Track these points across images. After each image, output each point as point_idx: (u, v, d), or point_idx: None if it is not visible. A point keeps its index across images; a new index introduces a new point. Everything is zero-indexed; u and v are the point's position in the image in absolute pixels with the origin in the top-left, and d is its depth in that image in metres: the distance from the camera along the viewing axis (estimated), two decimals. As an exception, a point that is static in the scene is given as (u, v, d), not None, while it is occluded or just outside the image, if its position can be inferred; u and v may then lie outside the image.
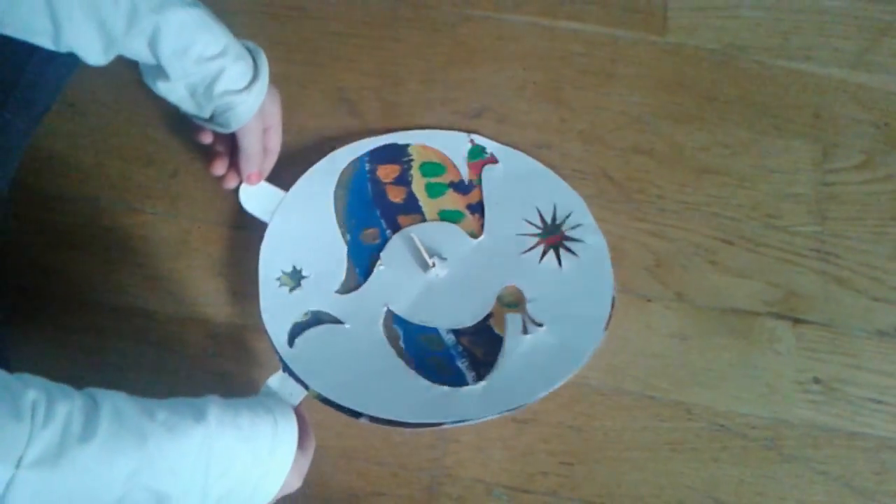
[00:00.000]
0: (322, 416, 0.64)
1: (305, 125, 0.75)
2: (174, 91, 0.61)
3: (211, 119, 0.64)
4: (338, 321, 0.65)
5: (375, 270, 0.67)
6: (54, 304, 0.68)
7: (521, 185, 0.71)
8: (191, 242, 0.71)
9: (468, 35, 0.79)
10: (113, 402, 0.46)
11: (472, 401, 0.62)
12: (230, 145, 0.68)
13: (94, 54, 0.57)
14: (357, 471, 0.64)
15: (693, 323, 0.67)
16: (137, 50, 0.58)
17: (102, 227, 0.71)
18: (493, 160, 0.72)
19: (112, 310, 0.68)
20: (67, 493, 0.42)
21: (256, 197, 0.69)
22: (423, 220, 0.69)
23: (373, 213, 0.70)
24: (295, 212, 0.68)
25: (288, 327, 0.64)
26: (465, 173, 0.71)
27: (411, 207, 0.70)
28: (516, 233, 0.69)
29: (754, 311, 0.68)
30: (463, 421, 0.61)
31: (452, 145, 0.72)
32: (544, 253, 0.68)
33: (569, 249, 0.68)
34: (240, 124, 0.63)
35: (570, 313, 0.65)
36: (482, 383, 0.62)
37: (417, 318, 0.66)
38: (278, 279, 0.66)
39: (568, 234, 0.68)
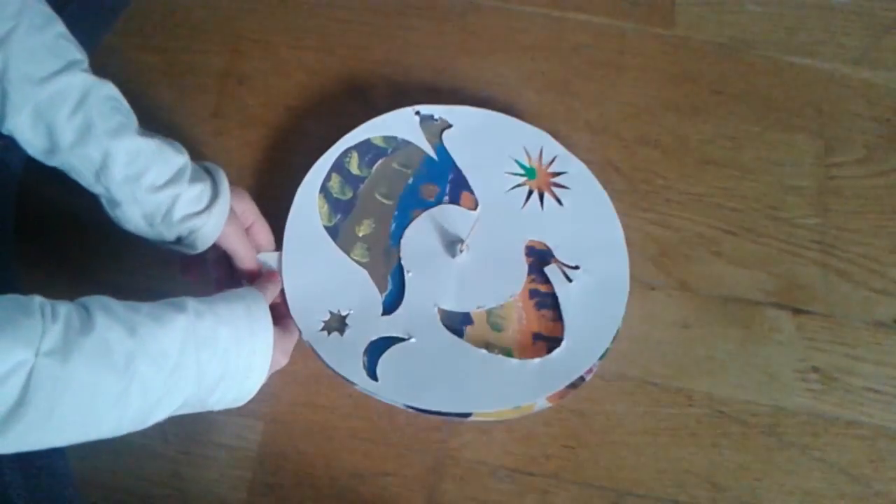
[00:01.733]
0: (327, 397, 0.65)
1: (316, 112, 0.75)
2: (130, 220, 0.58)
3: (178, 241, 0.61)
4: (402, 339, 0.64)
5: (406, 280, 0.66)
6: (63, 284, 0.69)
7: (483, 139, 0.71)
8: (201, 225, 0.71)
9: (477, 25, 0.80)
10: (100, 302, 0.50)
11: (567, 360, 0.63)
12: (217, 254, 0.65)
13: (37, 152, 0.55)
14: (363, 451, 0.65)
15: (696, 311, 0.68)
16: (81, 171, 0.56)
17: (113, 207, 0.71)
18: (447, 124, 0.72)
19: (121, 291, 0.68)
20: (80, 381, 0.46)
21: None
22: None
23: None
24: (297, 261, 0.66)
25: (361, 366, 0.63)
26: (428, 147, 0.71)
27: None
28: (506, 190, 0.69)
29: (756, 300, 0.69)
30: (575, 384, 0.63)
31: (404, 125, 0.72)
32: (541, 197, 0.69)
33: (559, 185, 0.69)
34: (207, 244, 0.61)
35: (591, 245, 0.67)
36: (564, 342, 0.63)
37: (470, 306, 0.66)
38: (324, 331, 0.64)
39: (550, 170, 0.69)
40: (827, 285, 0.69)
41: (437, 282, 0.66)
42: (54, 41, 0.53)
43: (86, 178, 0.57)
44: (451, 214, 0.69)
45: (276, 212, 0.68)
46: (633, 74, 0.78)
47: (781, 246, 0.71)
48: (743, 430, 0.65)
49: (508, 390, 0.62)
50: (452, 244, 0.67)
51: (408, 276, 0.66)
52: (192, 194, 0.58)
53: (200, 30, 0.78)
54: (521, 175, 0.70)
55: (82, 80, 0.54)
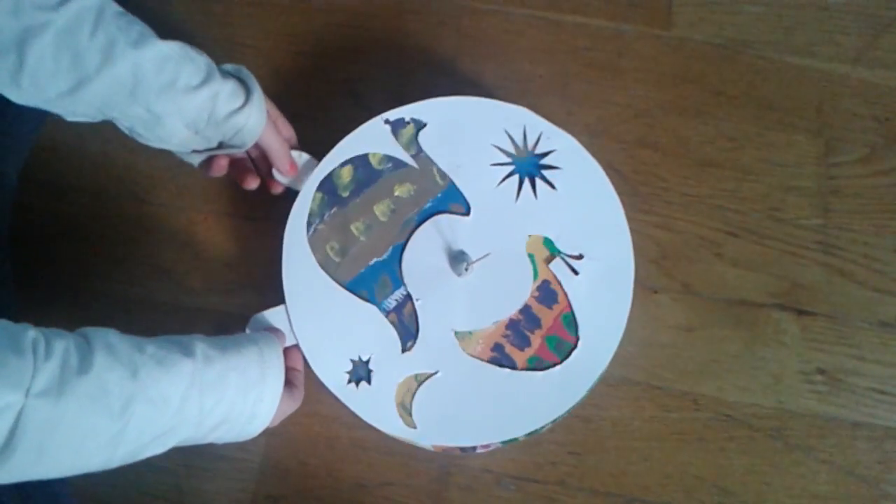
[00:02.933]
0: (329, 406, 0.64)
1: (313, 117, 0.75)
2: (174, 133, 0.58)
3: (220, 146, 0.62)
4: (429, 374, 0.63)
5: (417, 309, 0.64)
6: (61, 294, 0.68)
7: (461, 131, 0.68)
8: (198, 234, 0.71)
9: (474, 28, 0.79)
10: (105, 338, 0.48)
11: (585, 360, 0.62)
12: (246, 156, 0.67)
13: (62, 92, 0.53)
14: (366, 461, 0.64)
15: (699, 314, 0.68)
16: (113, 97, 0.54)
17: (109, 218, 0.71)
18: (421, 123, 0.69)
19: (119, 300, 0.68)
20: (72, 423, 0.44)
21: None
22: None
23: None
24: (304, 313, 0.64)
25: (396, 413, 0.62)
26: (403, 154, 0.68)
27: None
28: (495, 185, 0.67)
29: (759, 302, 0.68)
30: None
31: (377, 137, 0.68)
32: (533, 185, 0.66)
33: (550, 166, 0.67)
34: (253, 140, 0.61)
35: (591, 227, 0.65)
36: (581, 342, 0.62)
37: (486, 322, 0.64)
38: (351, 382, 0.62)
39: (537, 151, 0.67)
40: (830, 286, 0.69)
41: (447, 305, 0.64)
42: None
43: (119, 104, 0.55)
44: (445, 226, 0.66)
45: (276, 216, 0.67)
46: (632, 76, 0.77)
47: (784, 247, 0.70)
48: (749, 433, 0.65)
49: (542, 405, 0.61)
50: (454, 259, 0.64)
51: (418, 305, 0.64)
52: (229, 90, 0.58)
53: (197, 35, 0.77)
54: (508, 164, 0.67)
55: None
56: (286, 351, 0.62)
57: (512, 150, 0.68)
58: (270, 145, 0.63)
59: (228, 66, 0.62)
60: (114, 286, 0.68)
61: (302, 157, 0.68)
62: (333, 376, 0.62)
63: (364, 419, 0.61)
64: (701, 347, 0.67)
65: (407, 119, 0.69)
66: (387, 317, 0.64)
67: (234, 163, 0.67)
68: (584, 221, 0.65)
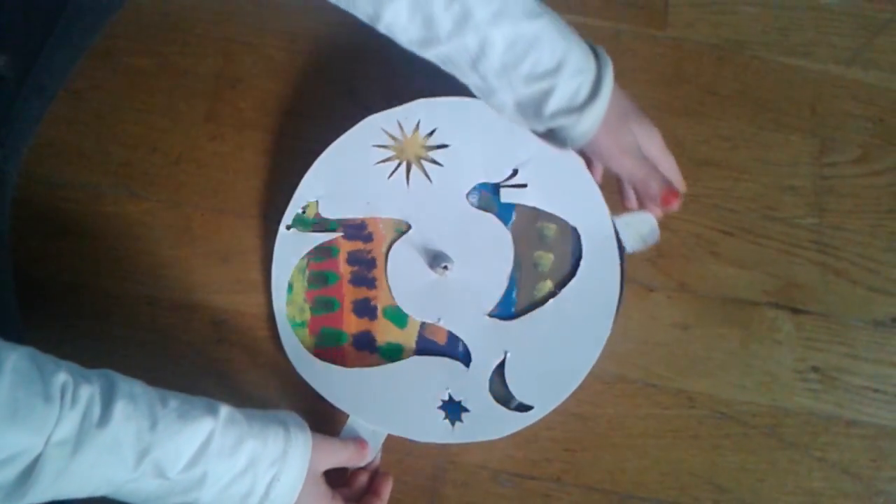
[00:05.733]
0: (325, 403, 0.64)
1: (310, 114, 0.75)
2: (505, 107, 0.56)
3: (549, 134, 0.58)
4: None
5: (446, 325, 0.65)
6: (59, 290, 0.68)
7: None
8: (194, 230, 0.71)
9: (471, 27, 0.79)
10: (127, 389, 0.48)
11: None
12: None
13: (411, 43, 0.55)
14: (362, 457, 0.64)
15: (695, 312, 0.68)
16: (457, 61, 0.54)
17: (105, 214, 0.71)
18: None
19: (116, 297, 0.68)
20: (87, 471, 0.44)
21: (631, 225, 0.65)
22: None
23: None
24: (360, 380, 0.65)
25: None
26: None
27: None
28: (376, 162, 0.68)
29: (755, 301, 0.69)
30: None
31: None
32: (408, 171, 0.68)
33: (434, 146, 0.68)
34: (576, 145, 0.57)
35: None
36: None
37: (487, 308, 0.65)
38: (452, 423, 0.63)
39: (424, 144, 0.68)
40: (825, 285, 0.69)
41: (465, 319, 0.65)
42: None
43: (461, 67, 0.55)
44: (414, 236, 0.67)
45: (274, 214, 0.67)
46: (628, 76, 0.77)
47: (779, 246, 0.71)
48: (744, 430, 0.65)
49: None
50: (434, 264, 0.65)
51: (442, 324, 0.65)
52: (569, 89, 0.54)
53: (193, 33, 0.78)
54: (391, 149, 0.69)
55: None
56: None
57: (400, 136, 0.69)
58: (623, 170, 0.59)
59: (598, 49, 0.57)
60: (110, 282, 0.68)
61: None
62: (435, 426, 0.62)
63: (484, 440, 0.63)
64: (696, 345, 0.67)
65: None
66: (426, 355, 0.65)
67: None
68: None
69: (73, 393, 0.44)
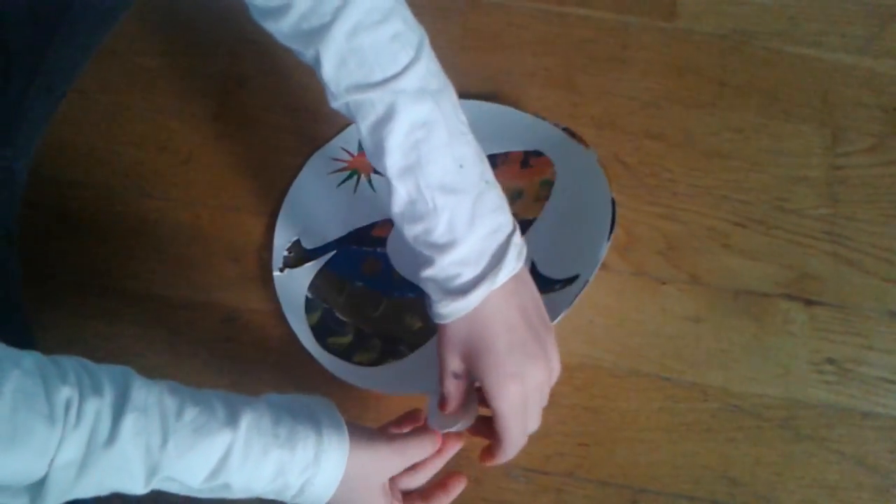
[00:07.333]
0: (335, 397, 0.64)
1: (316, 112, 0.75)
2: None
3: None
4: None
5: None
6: (69, 290, 0.68)
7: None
8: (204, 228, 0.71)
9: (478, 22, 0.79)
10: (145, 397, 0.45)
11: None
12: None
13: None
14: (374, 453, 0.64)
15: (707, 305, 0.68)
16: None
17: (116, 213, 0.71)
18: None
19: (126, 295, 0.68)
20: (94, 488, 0.43)
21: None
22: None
23: None
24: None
25: None
26: None
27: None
28: (338, 185, 0.71)
29: (767, 292, 0.68)
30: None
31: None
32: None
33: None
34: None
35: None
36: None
37: None
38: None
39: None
40: (838, 276, 0.69)
41: None
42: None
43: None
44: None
45: (277, 212, 0.67)
46: (637, 68, 0.77)
47: (791, 237, 0.70)
48: (758, 423, 0.64)
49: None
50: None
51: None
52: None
53: (199, 32, 0.78)
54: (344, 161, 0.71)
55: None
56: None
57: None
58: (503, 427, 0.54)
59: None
60: (120, 281, 0.68)
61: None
62: None
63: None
64: (709, 338, 0.67)
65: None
66: None
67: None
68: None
69: (79, 409, 0.42)
